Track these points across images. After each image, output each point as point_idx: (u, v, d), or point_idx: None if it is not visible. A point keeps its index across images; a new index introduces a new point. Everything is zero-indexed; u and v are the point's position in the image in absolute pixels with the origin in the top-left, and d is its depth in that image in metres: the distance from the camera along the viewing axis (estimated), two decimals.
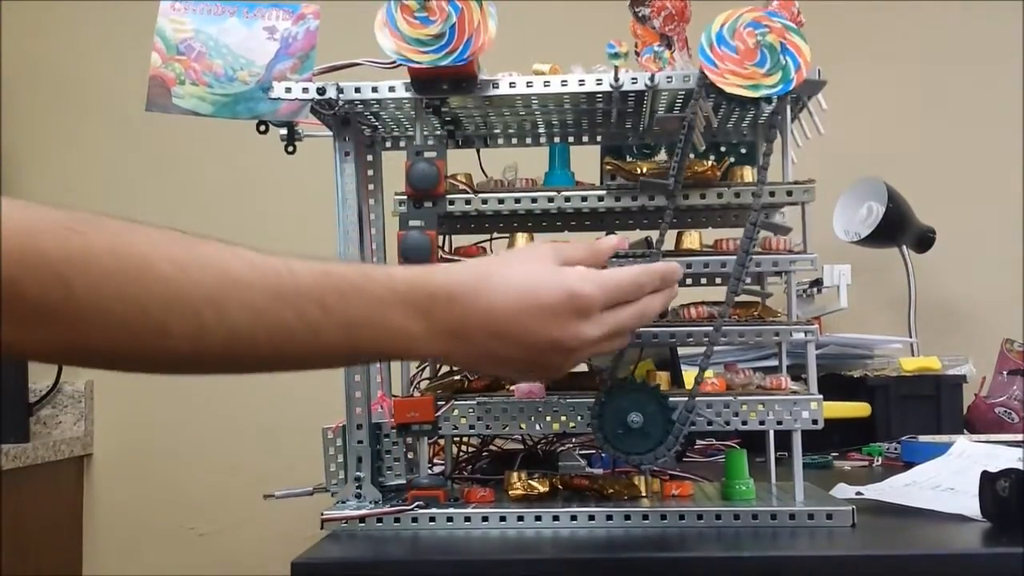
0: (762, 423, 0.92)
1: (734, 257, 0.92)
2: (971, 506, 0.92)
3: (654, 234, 0.99)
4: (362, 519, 0.92)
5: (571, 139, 1.11)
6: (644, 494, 0.97)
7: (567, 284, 0.74)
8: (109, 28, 2.13)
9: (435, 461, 1.17)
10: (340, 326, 0.68)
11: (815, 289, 1.78)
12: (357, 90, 0.94)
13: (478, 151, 1.12)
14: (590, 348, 0.76)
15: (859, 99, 2.04)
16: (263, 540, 1.98)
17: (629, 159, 1.05)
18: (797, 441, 0.93)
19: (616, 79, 0.92)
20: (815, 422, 0.93)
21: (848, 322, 1.83)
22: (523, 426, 0.95)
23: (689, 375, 1.17)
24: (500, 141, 1.12)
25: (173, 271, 0.63)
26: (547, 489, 0.98)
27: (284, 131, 1.02)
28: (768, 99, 0.90)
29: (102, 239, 0.61)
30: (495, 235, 1.11)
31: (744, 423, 0.92)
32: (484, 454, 1.18)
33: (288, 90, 0.93)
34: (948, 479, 1.06)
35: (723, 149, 1.07)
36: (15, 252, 0.58)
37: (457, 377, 1.01)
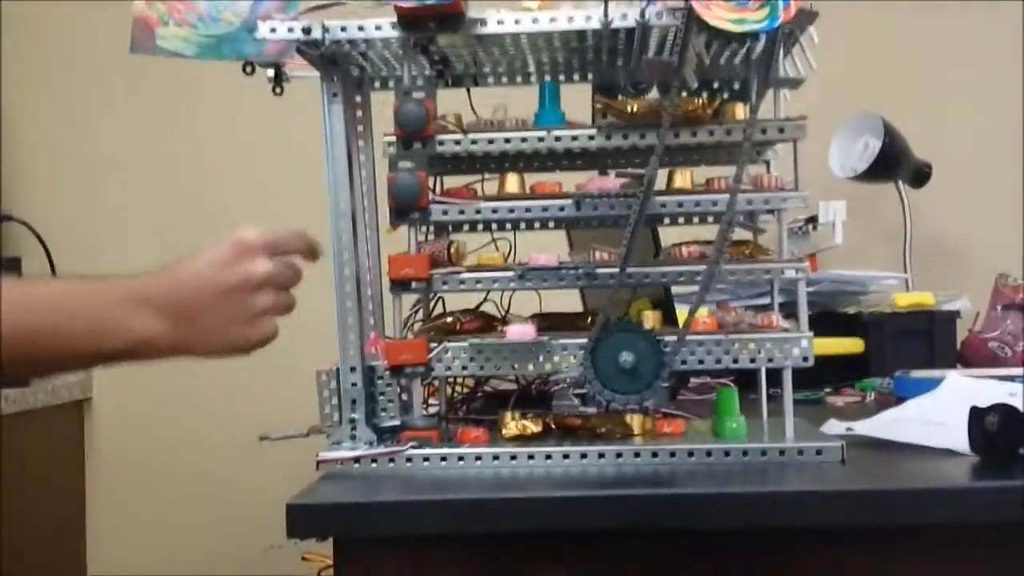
0: (752, 361, 0.93)
1: (725, 196, 0.92)
2: (960, 441, 0.92)
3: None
4: (356, 460, 0.93)
5: (562, 77, 1.10)
6: (636, 432, 0.97)
7: (228, 236, 0.91)
8: None
9: (430, 402, 1.18)
10: (79, 333, 0.83)
11: (810, 226, 1.77)
12: (343, 29, 0.92)
13: (468, 91, 1.11)
14: (268, 285, 0.91)
15: (856, 33, 2.02)
16: (262, 482, 1.99)
17: (621, 97, 1.04)
18: (787, 378, 0.94)
19: (605, 16, 0.90)
20: (805, 359, 0.93)
21: (844, 258, 1.82)
22: (515, 367, 0.95)
23: (684, 314, 1.17)
24: (490, 80, 1.11)
25: None
26: (540, 429, 0.99)
27: (271, 72, 1.01)
28: (755, 35, 0.89)
29: None
30: (486, 176, 1.10)
31: (735, 361, 0.92)
32: (478, 395, 1.19)
33: (273, 30, 0.92)
34: (938, 414, 1.07)
35: (715, 86, 1.05)
36: None
37: (450, 320, 1.01)
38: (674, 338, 0.89)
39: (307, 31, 0.92)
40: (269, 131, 2.01)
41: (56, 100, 2.15)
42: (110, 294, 0.85)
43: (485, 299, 1.11)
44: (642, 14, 0.90)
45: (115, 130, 2.15)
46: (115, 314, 0.84)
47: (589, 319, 1.04)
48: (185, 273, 0.88)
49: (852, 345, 1.50)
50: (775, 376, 0.98)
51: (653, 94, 1.09)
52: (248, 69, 0.98)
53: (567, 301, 1.25)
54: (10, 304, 0.80)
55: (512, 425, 0.98)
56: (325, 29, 0.92)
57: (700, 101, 0.94)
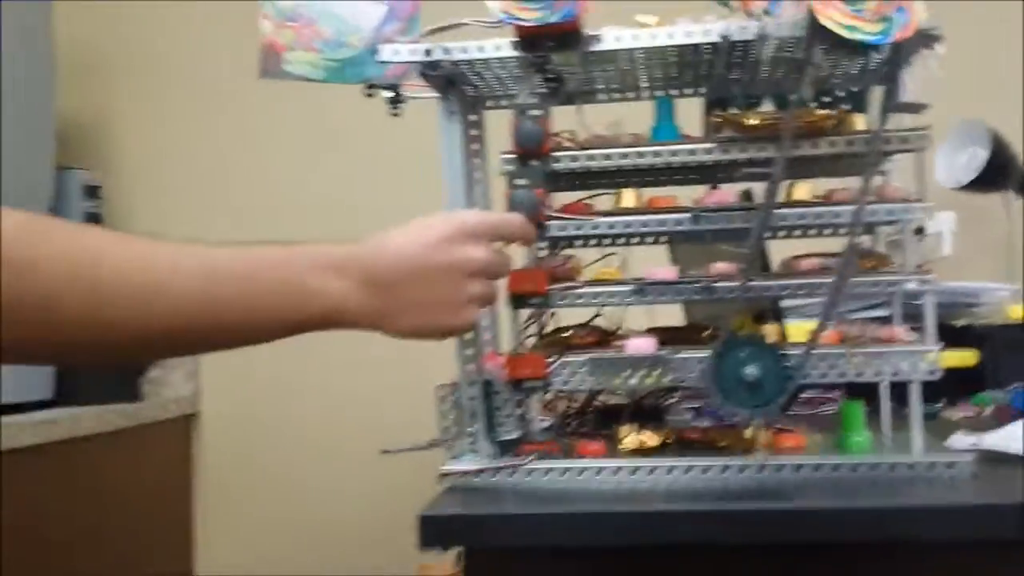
0: (878, 375, 0.91)
1: (847, 208, 0.91)
2: None
3: (756, 186, 0.98)
4: (478, 473, 0.94)
5: (674, 91, 1.10)
6: (757, 446, 0.97)
7: (453, 215, 0.87)
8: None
9: (540, 416, 1.19)
10: (270, 299, 0.76)
11: (917, 236, 1.74)
12: (464, 51, 0.94)
13: (579, 107, 1.12)
14: (483, 273, 0.86)
15: (961, 38, 1.97)
16: (372, 495, 2.00)
17: (733, 110, 1.04)
18: (915, 392, 0.93)
19: (725, 31, 0.91)
20: (932, 373, 0.92)
21: (948, 269, 1.78)
22: (634, 381, 0.96)
23: (795, 328, 1.16)
24: (602, 96, 1.12)
25: (117, 267, 0.68)
26: (658, 442, 0.99)
27: (389, 94, 1.03)
28: (864, 46, 0.88)
29: (56, 243, 0.66)
30: (599, 192, 1.11)
31: (860, 375, 0.91)
32: (590, 409, 1.19)
33: (397, 53, 0.94)
34: None
35: (834, 98, 1.04)
36: None
37: (567, 334, 1.02)
38: (798, 352, 0.89)
39: (429, 54, 0.94)
40: (385, 151, 2.02)
41: (166, 121, 2.19)
42: (301, 259, 0.78)
43: (597, 314, 1.11)
44: (762, 29, 0.90)
45: (228, 151, 2.17)
46: (306, 279, 0.77)
47: (705, 333, 1.04)
48: (393, 245, 0.83)
49: (966, 358, 1.46)
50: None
51: (766, 107, 1.09)
52: (369, 92, 1.00)
53: (664, 315, 1.24)
54: (194, 273, 0.72)
55: (630, 438, 0.99)
56: (446, 51, 0.94)
57: (822, 112, 0.93)
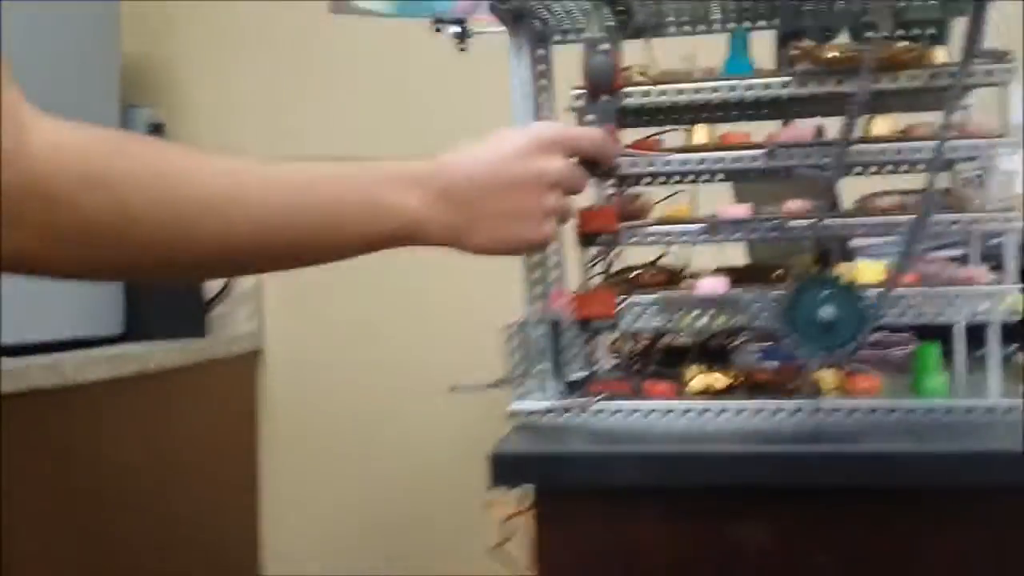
0: (958, 316, 0.89)
1: (929, 144, 0.88)
2: None
3: (831, 122, 0.96)
4: (547, 412, 0.94)
5: (747, 24, 1.07)
6: (829, 389, 0.96)
7: (531, 127, 0.86)
8: None
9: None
10: (345, 214, 0.75)
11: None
12: None
13: (649, 41, 1.09)
14: (560, 186, 0.84)
15: None
16: (440, 434, 1.98)
17: (808, 43, 1.01)
18: (994, 334, 0.90)
19: None
20: (1012, 315, 0.89)
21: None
22: (705, 321, 0.94)
23: (867, 268, 1.13)
24: (672, 30, 1.09)
25: (192, 180, 0.67)
26: (727, 384, 0.98)
27: (457, 29, 1.02)
28: None
29: (144, 156, 0.65)
30: (667, 127, 1.09)
31: (939, 316, 0.89)
32: (656, 349, 1.18)
33: None
34: None
35: (910, 30, 1.01)
36: (75, 175, 0.60)
37: (634, 273, 1.01)
38: (876, 292, 0.87)
39: None
40: (455, 91, 1.96)
41: (232, 59, 2.13)
42: (376, 174, 0.77)
43: (664, 253, 1.10)
44: None
45: (294, 89, 2.07)
46: (382, 194, 0.76)
47: (775, 273, 1.02)
48: (470, 158, 0.81)
49: None
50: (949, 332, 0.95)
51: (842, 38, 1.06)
52: (437, 27, 0.99)
53: (728, 256, 1.21)
54: (267, 186, 0.71)
55: (699, 379, 0.98)
56: None
57: (902, 46, 0.90)
